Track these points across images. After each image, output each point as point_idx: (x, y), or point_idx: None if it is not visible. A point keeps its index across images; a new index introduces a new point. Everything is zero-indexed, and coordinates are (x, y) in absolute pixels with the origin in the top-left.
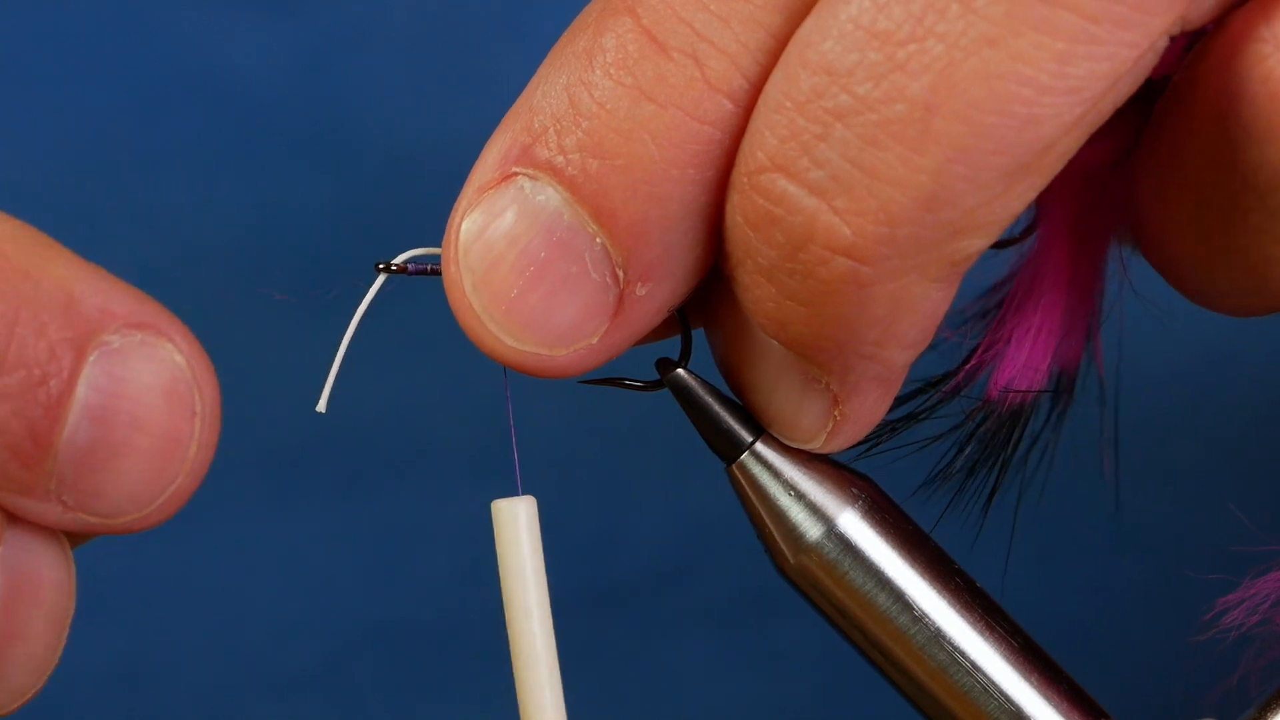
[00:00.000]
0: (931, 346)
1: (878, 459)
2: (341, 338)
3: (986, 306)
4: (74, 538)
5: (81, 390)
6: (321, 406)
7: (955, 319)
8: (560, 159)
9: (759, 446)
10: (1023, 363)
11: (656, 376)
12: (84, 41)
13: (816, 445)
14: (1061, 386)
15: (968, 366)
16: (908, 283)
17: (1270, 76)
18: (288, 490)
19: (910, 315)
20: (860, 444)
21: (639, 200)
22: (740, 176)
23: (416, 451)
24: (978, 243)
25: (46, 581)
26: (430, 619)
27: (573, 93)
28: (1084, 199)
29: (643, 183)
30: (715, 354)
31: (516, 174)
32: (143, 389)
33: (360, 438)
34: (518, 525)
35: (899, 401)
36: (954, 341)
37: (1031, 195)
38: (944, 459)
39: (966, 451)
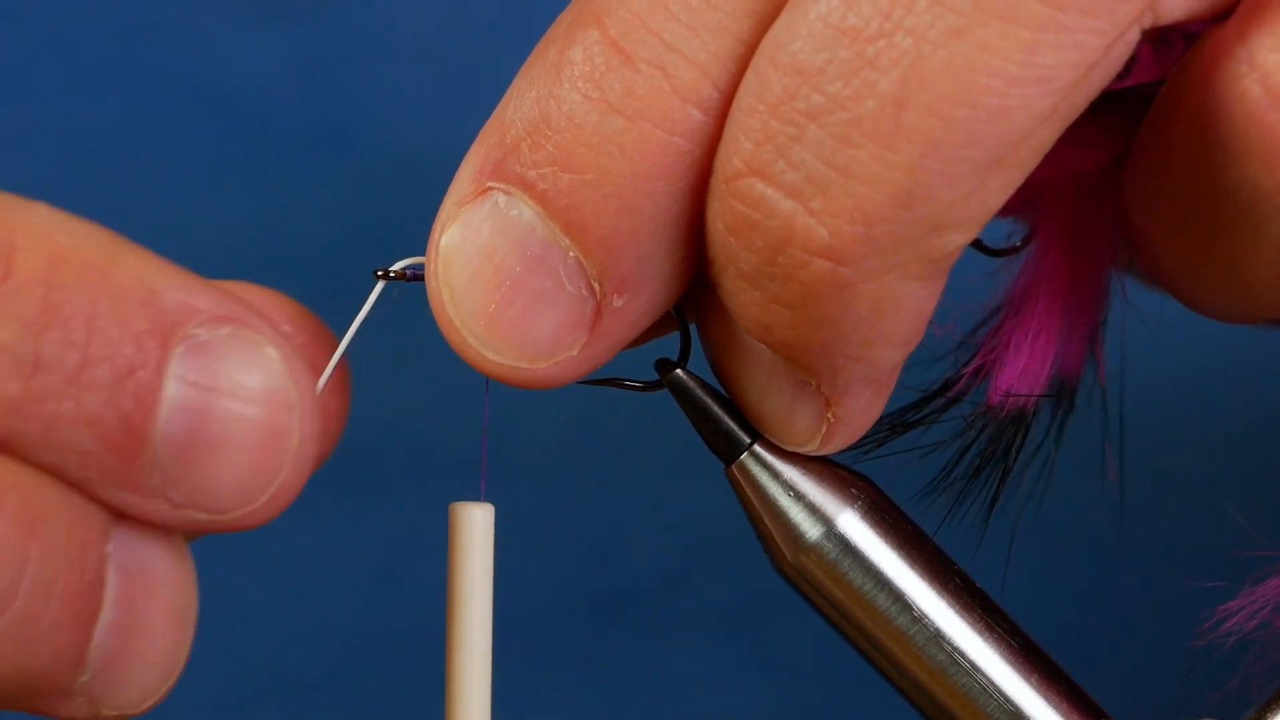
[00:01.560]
0: (937, 357)
1: (880, 463)
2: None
3: (991, 314)
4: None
5: (171, 383)
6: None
7: (962, 325)
8: (532, 173)
9: (758, 447)
10: (1021, 368)
11: (656, 377)
12: (89, 51)
13: (812, 449)
14: (1063, 394)
15: (968, 373)
16: (888, 281)
17: (1245, 97)
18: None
19: (894, 315)
20: (862, 446)
21: (610, 214)
22: (718, 183)
23: (421, 459)
24: (957, 239)
25: (163, 578)
26: (434, 626)
27: (542, 106)
28: (1079, 205)
29: (613, 196)
30: (708, 359)
31: (491, 188)
32: (234, 382)
33: (365, 445)
34: (474, 532)
35: (902, 409)
36: (952, 344)
37: (1008, 191)
38: (947, 466)
39: (968, 458)
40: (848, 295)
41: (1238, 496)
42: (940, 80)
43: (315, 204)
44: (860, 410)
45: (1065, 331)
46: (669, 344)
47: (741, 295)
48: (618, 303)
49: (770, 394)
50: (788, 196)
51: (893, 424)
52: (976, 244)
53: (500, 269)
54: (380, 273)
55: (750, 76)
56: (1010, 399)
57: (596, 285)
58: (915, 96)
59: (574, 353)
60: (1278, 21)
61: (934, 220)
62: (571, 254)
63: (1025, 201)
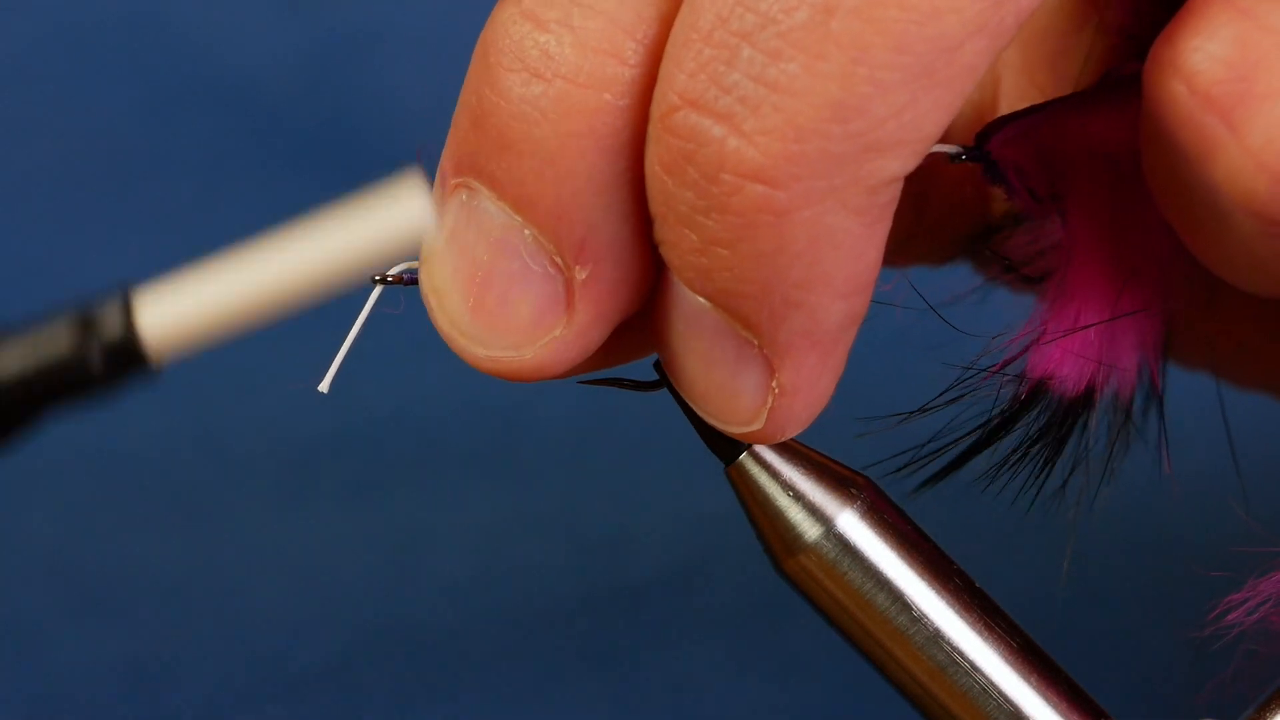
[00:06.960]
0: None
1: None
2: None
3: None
4: None
5: None
6: (324, 387)
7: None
8: (480, 159)
9: (757, 447)
10: (1063, 351)
11: (655, 377)
12: (94, 42)
13: (757, 427)
14: (1119, 407)
15: (1006, 358)
16: (824, 210)
17: (1174, 99)
18: (298, 492)
19: (832, 252)
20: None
21: (548, 181)
22: (654, 124)
23: (426, 454)
24: (892, 165)
25: None
26: (439, 621)
27: (478, 94)
28: (1113, 190)
29: (547, 163)
30: (653, 339)
31: (456, 186)
32: None
33: (370, 441)
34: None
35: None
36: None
37: (942, 113)
38: (1012, 452)
39: (1027, 435)
40: (783, 225)
41: (1240, 491)
42: None
43: (319, 199)
44: (806, 379)
45: (1113, 323)
46: None
47: (681, 242)
48: (580, 274)
49: (713, 364)
50: (719, 122)
51: (969, 447)
52: (1014, 275)
53: (471, 261)
54: (378, 277)
55: (685, 10)
56: (1057, 380)
57: (558, 259)
58: (844, 1)
59: (558, 332)
60: (1198, 22)
61: (867, 138)
62: (526, 231)
63: (1054, 195)
